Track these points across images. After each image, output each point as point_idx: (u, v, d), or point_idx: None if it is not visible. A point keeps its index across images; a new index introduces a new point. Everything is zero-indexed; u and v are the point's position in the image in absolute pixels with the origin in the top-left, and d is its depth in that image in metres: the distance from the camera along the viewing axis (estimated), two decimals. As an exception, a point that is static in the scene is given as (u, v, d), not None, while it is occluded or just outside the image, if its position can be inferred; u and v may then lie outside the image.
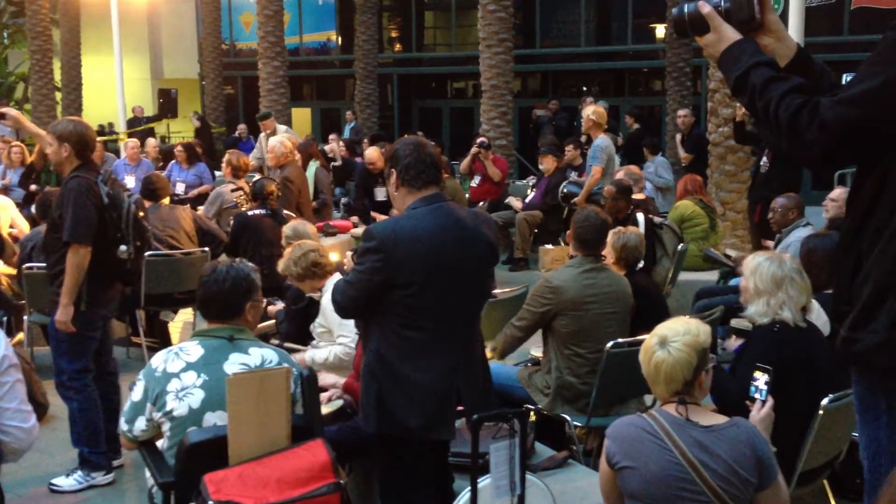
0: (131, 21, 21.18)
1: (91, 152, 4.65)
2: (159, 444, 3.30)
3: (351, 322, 4.32)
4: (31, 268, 6.15)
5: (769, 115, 1.99)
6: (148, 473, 3.33)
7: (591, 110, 8.62)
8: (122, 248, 4.69)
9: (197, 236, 7.10)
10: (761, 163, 8.23)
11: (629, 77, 21.47)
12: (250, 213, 7.22)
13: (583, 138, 9.94)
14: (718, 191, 9.53)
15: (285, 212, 7.65)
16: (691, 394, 2.71)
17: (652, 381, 2.75)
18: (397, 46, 24.50)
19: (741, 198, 9.38)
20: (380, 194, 9.63)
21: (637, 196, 7.22)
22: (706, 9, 2.15)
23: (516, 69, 15.12)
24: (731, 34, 2.13)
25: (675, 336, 2.69)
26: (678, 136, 11.59)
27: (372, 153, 10.03)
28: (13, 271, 6.70)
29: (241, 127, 18.09)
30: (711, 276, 7.30)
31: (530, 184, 11.53)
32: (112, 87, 17.58)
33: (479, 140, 10.78)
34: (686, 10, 2.19)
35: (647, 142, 11.90)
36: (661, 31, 19.60)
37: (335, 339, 4.54)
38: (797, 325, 3.59)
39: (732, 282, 6.39)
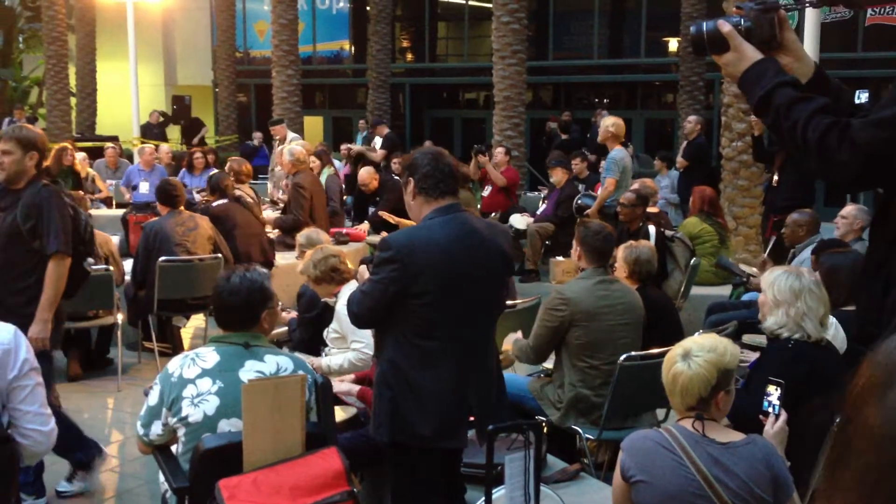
0: (146, 28, 21.29)
1: (45, 163, 4.43)
2: (173, 449, 3.31)
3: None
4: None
5: (796, 136, 1.96)
6: (162, 478, 3.34)
7: (611, 122, 8.56)
8: (90, 260, 4.60)
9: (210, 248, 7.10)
10: (773, 179, 8.24)
11: (641, 90, 21.47)
12: (214, 204, 7.36)
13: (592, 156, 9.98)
14: (731, 205, 9.51)
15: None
16: (707, 411, 2.70)
17: (669, 391, 2.75)
18: (410, 56, 24.57)
19: (754, 213, 9.37)
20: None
21: (650, 209, 7.22)
22: (726, 27, 2.10)
23: (528, 81, 15.15)
24: (751, 53, 2.08)
25: (699, 351, 2.68)
26: (684, 143, 11.61)
27: (364, 175, 10.10)
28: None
29: (258, 134, 18.15)
30: (724, 290, 7.29)
31: (542, 196, 11.56)
32: (126, 93, 17.67)
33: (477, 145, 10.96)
34: (705, 28, 2.14)
35: (661, 155, 11.92)
36: (674, 44, 19.60)
37: (349, 344, 4.55)
38: (814, 340, 3.57)
39: (745, 297, 6.39)
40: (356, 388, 4.13)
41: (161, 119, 19.14)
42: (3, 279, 4.32)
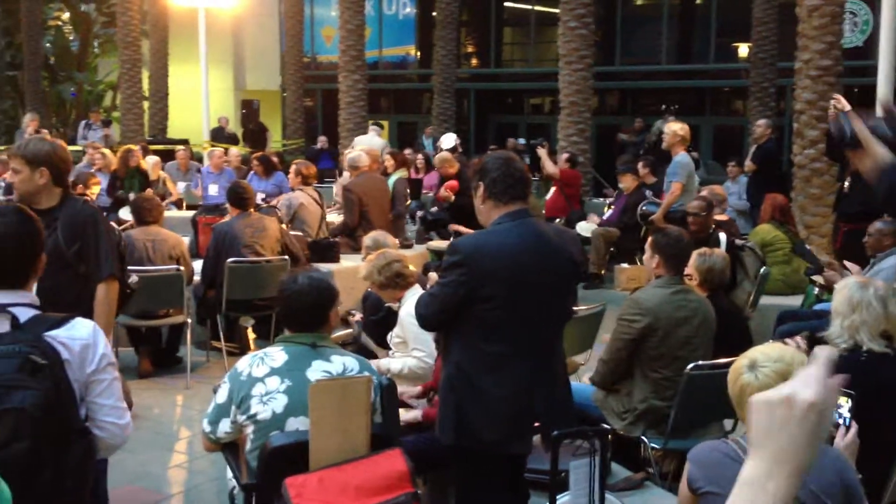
0: (217, 33, 21.67)
1: (68, 177, 3.89)
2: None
3: (427, 336, 4.36)
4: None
5: None
6: (229, 475, 3.40)
7: (679, 126, 8.48)
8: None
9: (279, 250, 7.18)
10: (844, 185, 8.04)
11: (710, 96, 21.18)
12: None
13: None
14: (803, 214, 9.34)
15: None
16: (777, 421, 2.64)
17: (736, 402, 2.70)
18: (475, 61, 24.63)
19: (826, 221, 9.18)
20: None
21: (719, 217, 7.11)
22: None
23: (595, 86, 15.06)
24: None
25: (766, 361, 2.63)
26: (753, 147, 11.44)
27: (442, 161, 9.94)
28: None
29: (322, 138, 18.42)
30: (793, 300, 7.14)
31: (608, 202, 11.51)
32: (196, 98, 18.04)
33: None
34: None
35: (736, 161, 11.79)
36: (744, 49, 19.30)
37: (410, 351, 4.57)
38: (882, 352, 3.50)
39: (817, 306, 6.24)
40: (419, 413, 4.14)
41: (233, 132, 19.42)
42: (50, 309, 3.75)
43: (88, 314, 3.81)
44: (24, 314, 2.37)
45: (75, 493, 2.36)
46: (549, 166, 10.82)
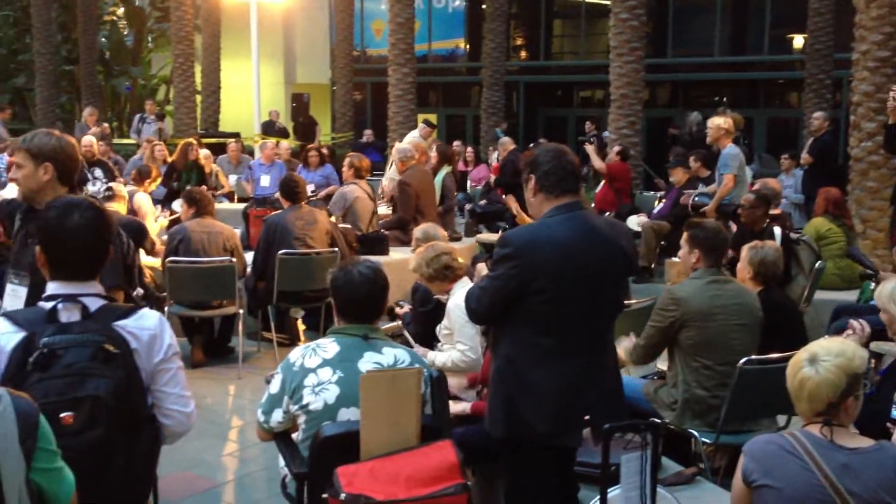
0: (268, 28, 21.82)
1: (75, 175, 3.60)
2: (294, 436, 3.41)
3: (472, 329, 4.38)
4: (176, 261, 6.46)
5: None
6: (281, 463, 3.45)
7: (722, 120, 8.39)
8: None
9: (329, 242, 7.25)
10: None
11: (764, 88, 20.83)
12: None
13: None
14: (859, 208, 9.15)
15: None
16: (836, 417, 2.61)
17: (795, 397, 2.66)
18: (524, 54, 24.53)
19: (883, 215, 8.99)
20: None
21: (773, 211, 7.01)
22: None
23: (646, 78, 14.89)
24: None
25: (826, 356, 2.60)
26: (810, 140, 11.25)
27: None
28: (156, 264, 7.05)
29: (368, 132, 18.51)
30: (848, 295, 7.02)
31: (658, 195, 11.42)
32: (248, 92, 18.19)
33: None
34: None
35: (790, 153, 11.63)
36: (799, 41, 18.95)
37: (455, 343, 4.59)
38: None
39: (874, 301, 6.13)
40: (468, 405, 4.14)
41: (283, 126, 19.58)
42: None
43: None
44: (94, 304, 2.42)
45: (144, 478, 2.42)
46: (596, 162, 10.88)
